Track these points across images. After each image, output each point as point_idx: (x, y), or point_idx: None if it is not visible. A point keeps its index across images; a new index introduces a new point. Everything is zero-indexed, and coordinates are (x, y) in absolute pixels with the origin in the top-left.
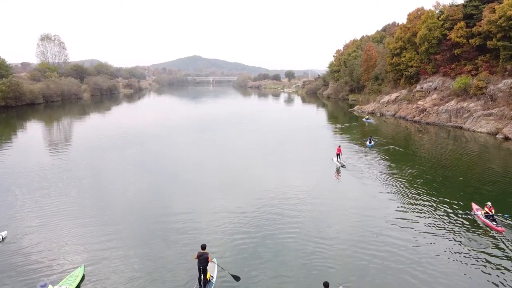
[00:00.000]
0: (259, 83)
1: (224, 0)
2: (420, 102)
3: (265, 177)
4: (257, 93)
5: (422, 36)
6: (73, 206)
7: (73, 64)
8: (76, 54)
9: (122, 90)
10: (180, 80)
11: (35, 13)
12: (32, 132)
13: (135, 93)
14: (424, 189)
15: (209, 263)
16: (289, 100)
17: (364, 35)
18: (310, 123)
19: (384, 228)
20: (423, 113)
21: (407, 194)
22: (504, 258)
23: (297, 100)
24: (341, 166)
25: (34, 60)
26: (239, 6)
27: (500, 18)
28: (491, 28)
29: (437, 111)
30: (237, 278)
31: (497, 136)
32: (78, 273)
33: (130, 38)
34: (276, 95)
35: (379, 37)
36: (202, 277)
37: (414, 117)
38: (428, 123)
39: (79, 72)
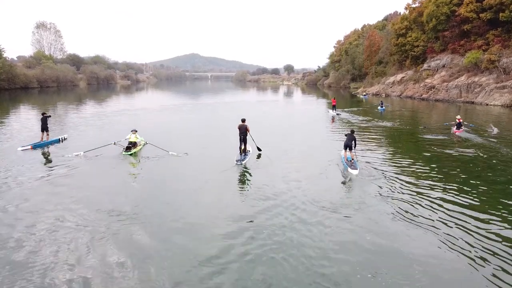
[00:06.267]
0: (258, 77)
1: None
2: (428, 80)
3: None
4: (256, 87)
5: (430, 13)
6: None
7: (69, 53)
8: (73, 51)
9: (119, 81)
10: (178, 75)
11: (33, 10)
12: (26, 114)
13: (132, 85)
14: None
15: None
16: (289, 92)
17: (366, 24)
18: (309, 106)
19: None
20: (431, 90)
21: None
22: (454, 149)
23: (297, 91)
24: (336, 114)
25: (30, 50)
26: (238, 4)
27: None
28: None
29: (446, 87)
30: (259, 149)
31: None
32: (142, 138)
33: (128, 36)
34: (276, 88)
35: (381, 26)
36: (242, 146)
37: (422, 95)
38: (437, 100)
39: (76, 61)
